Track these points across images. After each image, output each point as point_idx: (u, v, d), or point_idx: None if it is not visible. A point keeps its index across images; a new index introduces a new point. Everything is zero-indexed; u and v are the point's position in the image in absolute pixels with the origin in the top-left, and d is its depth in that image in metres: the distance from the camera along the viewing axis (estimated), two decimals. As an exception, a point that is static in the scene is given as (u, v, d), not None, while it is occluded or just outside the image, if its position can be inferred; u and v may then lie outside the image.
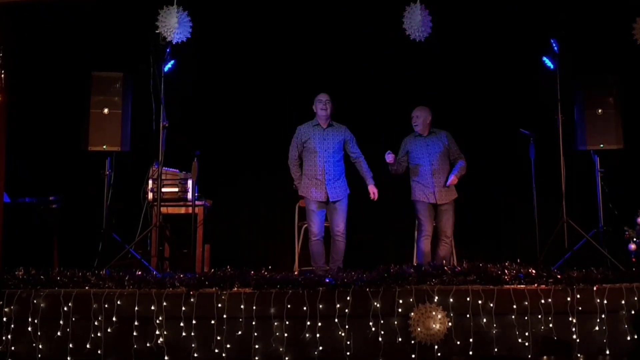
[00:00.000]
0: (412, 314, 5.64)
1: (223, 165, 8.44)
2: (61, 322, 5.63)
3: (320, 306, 5.64)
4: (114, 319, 5.63)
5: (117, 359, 5.64)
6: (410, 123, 7.49)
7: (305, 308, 5.63)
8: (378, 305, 5.64)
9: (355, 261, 6.91)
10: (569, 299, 5.71)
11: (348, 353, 5.60)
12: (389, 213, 8.41)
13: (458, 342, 5.64)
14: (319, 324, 5.62)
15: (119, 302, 5.65)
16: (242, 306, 5.63)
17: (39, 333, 5.62)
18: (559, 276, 5.83)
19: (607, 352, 5.69)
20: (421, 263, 6.60)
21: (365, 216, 8.49)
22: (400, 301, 5.67)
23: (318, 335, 5.60)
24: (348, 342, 5.62)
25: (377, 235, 8.53)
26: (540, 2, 7.55)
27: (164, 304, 5.64)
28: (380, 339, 5.61)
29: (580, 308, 5.71)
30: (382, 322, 5.63)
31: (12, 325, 5.65)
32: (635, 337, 5.68)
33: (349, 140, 7.35)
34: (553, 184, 7.37)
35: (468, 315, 5.68)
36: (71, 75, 7.89)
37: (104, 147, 7.16)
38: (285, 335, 5.60)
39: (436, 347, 5.62)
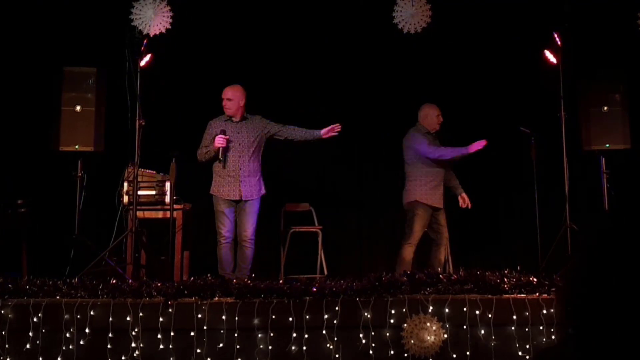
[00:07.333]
0: (405, 325, 5.65)
1: (203, 166, 8.44)
2: (30, 333, 5.61)
3: (307, 317, 5.64)
4: (86, 330, 5.61)
5: (91, 373, 5.65)
6: (407, 119, 7.53)
7: (291, 319, 5.63)
8: (369, 315, 5.65)
9: (345, 269, 6.93)
10: (572, 308, 5.72)
11: (337, 366, 5.62)
12: (382, 217, 8.46)
13: (454, 355, 5.64)
14: (306, 335, 5.61)
15: (92, 313, 5.64)
16: (223, 317, 5.63)
17: (6, 345, 5.59)
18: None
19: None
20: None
21: (357, 219, 8.53)
22: (393, 311, 5.66)
23: (305, 347, 5.60)
24: (337, 355, 5.61)
25: (368, 241, 8.57)
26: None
27: (140, 314, 5.64)
28: (371, 351, 5.61)
29: (583, 318, 5.72)
30: (373, 333, 5.63)
31: (-22, 338, 5.64)
32: None
33: (268, 124, 7.17)
34: (556, 186, 7.40)
35: (465, 327, 5.67)
36: (41, 70, 7.88)
37: (76, 147, 7.17)
38: (270, 347, 5.59)
39: (430, 360, 5.65)
